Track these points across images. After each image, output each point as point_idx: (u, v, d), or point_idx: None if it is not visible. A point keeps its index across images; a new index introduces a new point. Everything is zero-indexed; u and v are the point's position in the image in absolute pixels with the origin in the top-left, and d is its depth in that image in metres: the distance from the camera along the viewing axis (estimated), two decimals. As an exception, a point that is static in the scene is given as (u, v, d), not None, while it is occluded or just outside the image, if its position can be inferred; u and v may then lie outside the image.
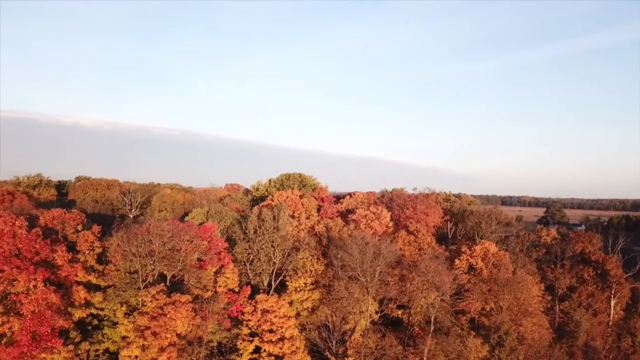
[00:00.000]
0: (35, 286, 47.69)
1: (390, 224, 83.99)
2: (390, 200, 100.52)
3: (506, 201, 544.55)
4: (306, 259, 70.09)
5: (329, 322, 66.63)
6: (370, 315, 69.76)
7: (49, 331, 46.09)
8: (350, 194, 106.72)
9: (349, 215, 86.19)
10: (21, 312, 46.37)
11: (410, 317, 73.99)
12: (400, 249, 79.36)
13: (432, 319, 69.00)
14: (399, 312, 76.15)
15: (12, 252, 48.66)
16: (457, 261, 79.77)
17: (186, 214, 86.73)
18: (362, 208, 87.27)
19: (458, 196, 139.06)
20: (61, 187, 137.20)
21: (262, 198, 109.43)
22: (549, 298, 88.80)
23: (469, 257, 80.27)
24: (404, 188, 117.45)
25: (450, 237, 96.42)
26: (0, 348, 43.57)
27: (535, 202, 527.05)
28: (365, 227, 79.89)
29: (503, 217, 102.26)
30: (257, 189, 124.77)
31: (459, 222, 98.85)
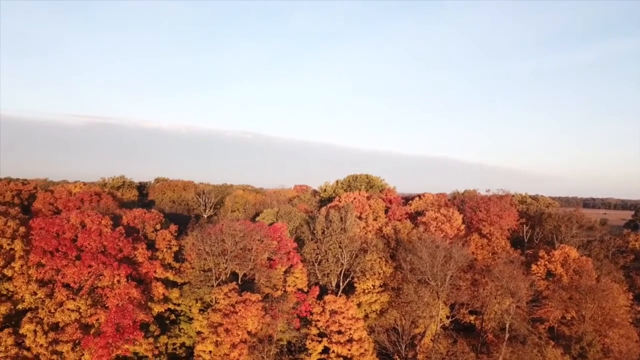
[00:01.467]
0: (118, 281, 50.81)
1: (462, 226, 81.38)
2: (461, 202, 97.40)
3: (588, 203, 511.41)
4: (374, 261, 69.53)
5: (398, 326, 65.64)
6: (440, 319, 67.94)
7: (131, 324, 48.84)
8: (419, 196, 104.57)
9: (418, 218, 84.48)
10: (107, 305, 49.58)
11: (484, 324, 71.23)
12: (473, 252, 76.71)
13: (507, 326, 65.98)
14: (471, 318, 73.58)
15: (98, 249, 52.12)
16: (534, 266, 75.82)
17: (257, 214, 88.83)
18: (432, 210, 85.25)
19: (535, 198, 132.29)
20: (142, 188, 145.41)
21: (330, 199, 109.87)
22: (639, 308, 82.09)
23: (547, 263, 76.04)
24: (477, 189, 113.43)
25: (526, 241, 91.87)
26: (89, 338, 46.76)
27: (622, 205, 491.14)
28: (435, 230, 77.95)
29: (585, 220, 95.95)
30: (325, 190, 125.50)
31: (535, 225, 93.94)
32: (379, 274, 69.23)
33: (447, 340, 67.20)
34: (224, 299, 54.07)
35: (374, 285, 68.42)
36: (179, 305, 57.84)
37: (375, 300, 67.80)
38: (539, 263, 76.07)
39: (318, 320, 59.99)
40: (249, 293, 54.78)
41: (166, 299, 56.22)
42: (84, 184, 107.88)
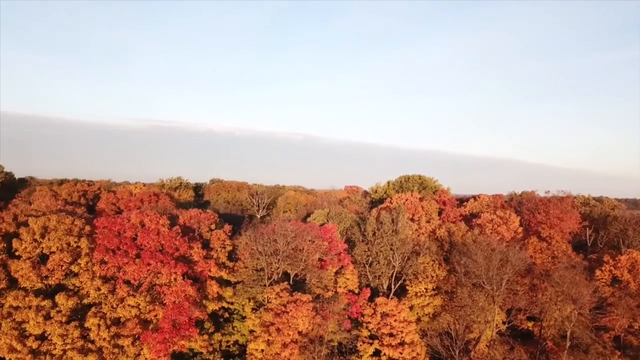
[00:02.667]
0: (175, 279, 52.56)
1: (520, 229, 78.46)
2: (519, 203, 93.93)
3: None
4: (427, 263, 68.29)
5: (451, 330, 64.11)
6: (496, 325, 65.79)
7: (187, 321, 50.42)
8: (474, 197, 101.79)
9: (473, 220, 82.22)
10: (164, 302, 51.42)
11: (542, 331, 68.28)
12: (531, 256, 73.74)
13: (568, 334, 62.93)
14: (529, 324, 70.75)
15: (156, 248, 54.16)
16: (598, 272, 71.87)
17: (308, 215, 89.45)
18: (487, 212, 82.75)
19: (599, 200, 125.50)
20: (198, 189, 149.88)
21: (381, 200, 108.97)
22: None
23: (612, 268, 71.84)
24: (535, 191, 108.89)
25: (589, 245, 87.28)
26: (148, 333, 48.69)
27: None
28: (491, 233, 75.59)
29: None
30: (376, 191, 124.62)
31: (599, 228, 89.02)
32: (432, 277, 67.93)
33: (504, 347, 64.94)
34: (275, 298, 54.78)
35: (426, 289, 67.20)
36: (232, 303, 59.09)
37: (428, 304, 66.57)
38: (603, 268, 72.03)
39: (369, 322, 59.59)
40: (300, 293, 55.22)
41: (220, 297, 57.56)
42: (144, 184, 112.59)
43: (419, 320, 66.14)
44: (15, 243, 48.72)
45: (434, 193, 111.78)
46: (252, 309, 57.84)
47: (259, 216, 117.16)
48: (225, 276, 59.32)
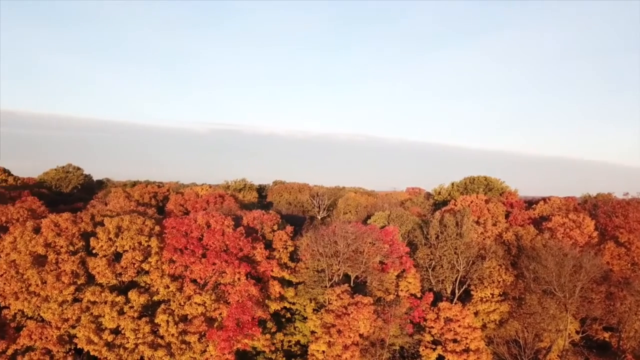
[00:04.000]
0: (239, 279, 53.89)
1: (595, 234, 73.82)
2: (594, 206, 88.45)
3: None
4: (493, 268, 65.82)
5: (519, 338, 61.37)
6: (569, 334, 62.21)
7: (250, 320, 51.51)
8: (544, 199, 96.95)
9: (544, 223, 78.28)
10: (228, 301, 52.85)
11: (621, 342, 63.81)
12: (608, 262, 69.15)
13: (651, 347, 58.46)
14: (606, 335, 66.31)
15: (221, 248, 55.79)
16: (685, 281, 66.22)
17: (368, 217, 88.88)
18: (559, 215, 78.49)
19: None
20: (261, 190, 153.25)
21: (444, 202, 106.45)
22: None
23: (702, 277, 65.99)
24: (612, 193, 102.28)
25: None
26: (213, 331, 50.24)
27: None
28: (562, 237, 71.66)
29: None
30: (439, 193, 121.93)
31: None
32: (498, 282, 65.36)
33: (577, 358, 61.44)
34: (336, 300, 54.82)
35: (492, 294, 64.77)
36: (294, 304, 59.75)
37: (494, 310, 64.11)
38: (691, 277, 66.30)
39: (432, 327, 58.28)
40: (360, 295, 54.94)
41: (282, 298, 58.38)
42: (210, 186, 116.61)
43: (484, 326, 63.85)
44: (92, 241, 51.89)
45: (500, 195, 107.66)
46: (314, 309, 58.19)
47: (319, 217, 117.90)
48: (287, 276, 60.10)
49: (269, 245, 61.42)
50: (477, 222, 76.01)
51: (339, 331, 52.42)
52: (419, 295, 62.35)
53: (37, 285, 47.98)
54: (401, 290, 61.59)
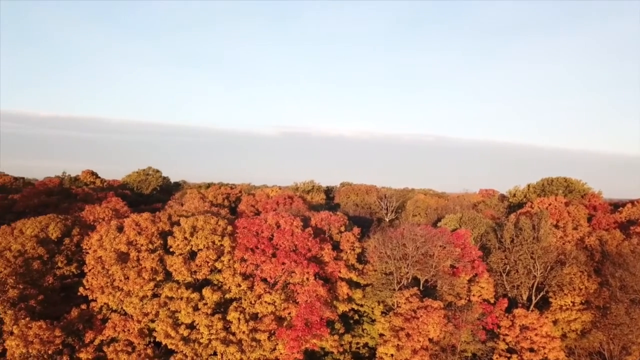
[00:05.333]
0: (307, 279, 54.50)
1: (691, 239, 67.51)
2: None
3: None
4: (574, 274, 61.96)
5: (604, 350, 57.35)
6: (662, 349, 57.20)
7: (318, 320, 51.90)
8: (632, 202, 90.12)
9: (631, 227, 72.72)
10: (297, 301, 53.58)
11: None
12: None
13: None
14: None
15: (290, 248, 56.71)
16: None
17: (439, 220, 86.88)
18: (648, 219, 72.64)
19: None
20: (329, 192, 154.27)
21: (520, 205, 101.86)
22: None
23: None
24: None
25: None
26: (282, 330, 51.15)
27: None
28: (653, 242, 66.17)
29: None
30: (514, 195, 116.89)
31: None
32: (580, 289, 61.44)
33: (672, 375, 56.29)
34: (405, 303, 53.98)
35: (573, 302, 60.97)
36: (362, 306, 59.52)
37: (575, 319, 60.28)
38: None
39: (507, 335, 55.81)
40: (430, 299, 53.74)
41: (350, 299, 58.34)
42: (279, 188, 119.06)
43: (564, 336, 60.22)
44: (170, 240, 54.59)
45: (582, 197, 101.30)
46: (382, 312, 57.64)
47: (387, 219, 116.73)
48: (354, 278, 60.00)
49: (336, 247, 61.63)
50: (556, 226, 72.00)
51: (408, 335, 51.55)
52: (492, 300, 59.98)
53: (121, 280, 51.17)
54: (473, 295, 59.54)
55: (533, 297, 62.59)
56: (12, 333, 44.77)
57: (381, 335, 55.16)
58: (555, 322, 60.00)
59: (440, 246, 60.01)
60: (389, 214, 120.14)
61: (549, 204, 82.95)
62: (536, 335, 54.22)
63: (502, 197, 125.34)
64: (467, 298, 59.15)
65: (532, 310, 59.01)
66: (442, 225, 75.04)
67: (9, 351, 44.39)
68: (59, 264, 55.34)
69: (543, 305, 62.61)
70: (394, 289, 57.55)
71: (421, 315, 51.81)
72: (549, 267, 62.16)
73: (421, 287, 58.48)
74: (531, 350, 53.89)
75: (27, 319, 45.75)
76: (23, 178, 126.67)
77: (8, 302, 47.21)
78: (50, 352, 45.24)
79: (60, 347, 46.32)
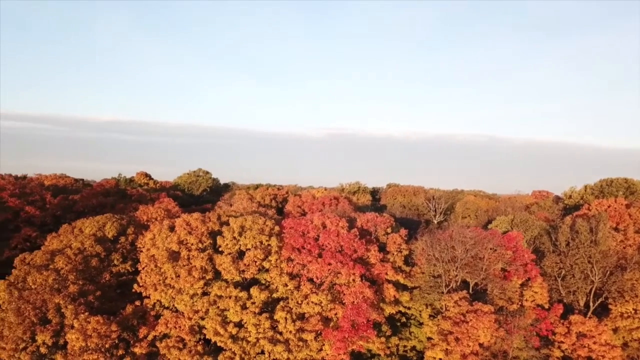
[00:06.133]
0: (354, 280, 54.29)
1: None
2: None
3: None
4: (636, 280, 58.59)
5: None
6: None
7: (365, 322, 51.58)
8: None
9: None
10: (344, 302, 53.47)
11: None
12: None
13: None
14: None
15: (336, 249, 56.70)
16: None
17: (489, 222, 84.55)
18: None
19: None
20: (375, 193, 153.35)
21: (576, 207, 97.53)
22: None
23: None
24: None
25: None
26: (329, 330, 51.17)
27: None
28: None
29: None
30: (570, 197, 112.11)
31: None
32: (643, 296, 58.04)
33: None
34: (454, 306, 52.81)
35: (635, 309, 57.63)
36: (409, 308, 58.69)
37: (638, 327, 56.99)
38: None
39: (562, 342, 53.54)
40: (480, 303, 52.31)
41: (397, 302, 57.66)
42: (325, 189, 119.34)
43: (625, 345, 57.07)
44: (219, 240, 55.81)
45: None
46: (430, 315, 56.64)
47: (435, 221, 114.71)
48: (401, 280, 59.25)
49: (382, 248, 61.08)
50: (616, 229, 68.42)
51: (457, 339, 50.38)
52: (546, 306, 57.69)
53: (172, 278, 52.75)
54: (526, 300, 57.47)
55: (591, 304, 59.70)
56: (72, 327, 47.12)
57: (429, 338, 54.22)
58: (615, 330, 57.01)
59: (491, 249, 58.33)
60: (437, 216, 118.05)
61: (608, 206, 78.86)
62: (594, 343, 51.76)
63: (557, 199, 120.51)
64: (520, 303, 57.16)
65: (589, 317, 56.31)
66: (492, 227, 72.93)
67: (69, 344, 46.72)
68: (115, 262, 57.71)
69: (602, 312, 59.58)
70: (442, 292, 56.41)
71: (471, 320, 50.50)
72: (608, 272, 59.15)
73: (470, 291, 57.02)
74: (589, 358, 51.51)
75: (86, 313, 48.03)
76: (83, 180, 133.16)
77: (69, 297, 49.67)
78: (107, 346, 47.21)
79: (116, 341, 48.26)
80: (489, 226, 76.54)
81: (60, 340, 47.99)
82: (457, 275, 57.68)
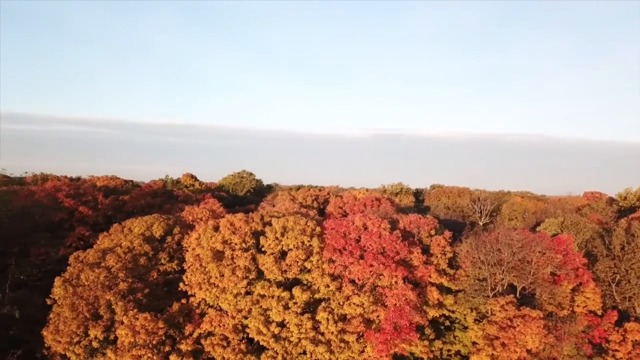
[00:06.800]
0: (396, 282, 53.74)
1: None
2: None
3: None
4: (699, 287, 55.25)
5: None
6: None
7: (407, 325, 50.92)
8: None
9: None
10: (386, 304, 53.00)
11: None
12: None
13: None
14: None
15: (378, 250, 56.28)
16: None
17: (538, 224, 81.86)
18: None
19: None
20: (418, 194, 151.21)
21: (632, 209, 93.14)
22: None
23: None
24: None
25: None
26: (371, 332, 50.86)
27: None
28: None
29: None
30: (625, 198, 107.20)
31: None
32: None
33: None
34: (500, 311, 51.38)
35: (698, 318, 54.36)
36: (453, 312, 57.56)
37: (701, 338, 53.69)
38: None
39: (617, 351, 51.17)
40: (528, 308, 50.69)
41: (440, 305, 56.65)
42: (367, 190, 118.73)
43: (687, 356, 53.85)
44: (262, 240, 56.51)
45: None
46: (475, 319, 55.32)
47: (481, 223, 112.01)
48: (445, 283, 58.18)
49: (426, 250, 60.17)
50: (676, 232, 64.55)
51: (504, 344, 48.99)
52: (599, 312, 55.26)
53: (216, 277, 53.80)
54: (577, 306, 55.25)
55: (648, 311, 56.75)
56: (122, 323, 48.90)
57: (474, 343, 52.99)
58: (675, 340, 53.88)
59: (539, 252, 56.43)
60: (482, 218, 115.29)
61: (668, 208, 74.81)
62: (652, 353, 49.12)
63: (611, 201, 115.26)
64: (570, 309, 55.04)
65: (647, 325, 53.47)
66: (541, 230, 70.53)
67: (119, 339, 48.52)
68: (162, 261, 59.47)
69: (661, 320, 56.48)
70: (488, 296, 55.00)
71: (518, 325, 49.00)
72: (668, 278, 56.02)
73: (518, 295, 55.33)
74: (646, 369, 48.92)
75: (135, 310, 49.71)
76: (132, 181, 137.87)
77: (119, 294, 51.58)
78: (154, 342, 48.72)
79: (163, 338, 49.71)
80: (537, 229, 74.09)
81: (111, 335, 49.92)
82: (503, 279, 56.11)
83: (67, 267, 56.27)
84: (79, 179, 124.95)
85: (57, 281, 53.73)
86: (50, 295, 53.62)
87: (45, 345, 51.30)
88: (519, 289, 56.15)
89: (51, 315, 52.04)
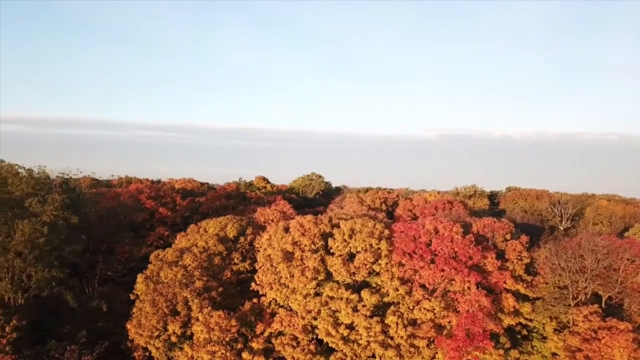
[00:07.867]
0: (469, 288, 52.00)
1: None
2: None
3: None
4: None
5: None
6: None
7: (481, 332, 49.10)
8: None
9: None
10: (457, 310, 51.46)
11: None
12: None
13: None
14: None
15: (450, 255, 54.73)
16: None
17: (626, 229, 76.18)
18: None
19: None
20: (493, 197, 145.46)
21: None
22: None
23: None
24: None
25: None
26: (441, 338, 49.56)
27: None
28: None
29: None
30: None
31: None
32: None
33: None
34: (583, 321, 48.30)
35: None
36: (530, 320, 54.79)
37: None
38: None
39: None
40: (615, 320, 47.22)
41: (517, 312, 54.14)
42: (438, 192, 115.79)
43: None
44: (330, 242, 56.82)
45: None
46: (554, 329, 52.31)
47: (561, 228, 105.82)
48: (522, 290, 55.52)
49: (500, 256, 57.73)
50: None
51: (587, 357, 46.00)
52: (699, 327, 50.30)
53: (287, 278, 54.78)
54: (672, 319, 50.61)
55: None
56: (197, 319, 51.06)
57: (554, 354, 50.27)
58: None
59: (628, 259, 52.36)
60: (563, 222, 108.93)
61: None
62: None
63: None
64: (665, 322, 50.51)
65: None
66: (630, 236, 65.45)
67: (195, 335, 50.71)
68: (235, 260, 61.45)
69: None
70: (569, 305, 51.81)
71: (603, 337, 45.79)
72: None
73: (603, 305, 51.67)
74: None
75: (210, 308, 51.73)
76: (207, 183, 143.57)
77: (195, 292, 53.91)
78: (227, 339, 50.41)
79: (236, 335, 51.33)
80: (626, 234, 68.98)
81: (188, 331, 52.27)
82: (586, 287, 52.63)
83: (148, 265, 59.76)
84: (159, 181, 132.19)
85: (139, 278, 57.17)
86: (133, 291, 57.20)
87: (129, 338, 54.70)
88: (604, 299, 52.42)
89: (134, 310, 55.44)
